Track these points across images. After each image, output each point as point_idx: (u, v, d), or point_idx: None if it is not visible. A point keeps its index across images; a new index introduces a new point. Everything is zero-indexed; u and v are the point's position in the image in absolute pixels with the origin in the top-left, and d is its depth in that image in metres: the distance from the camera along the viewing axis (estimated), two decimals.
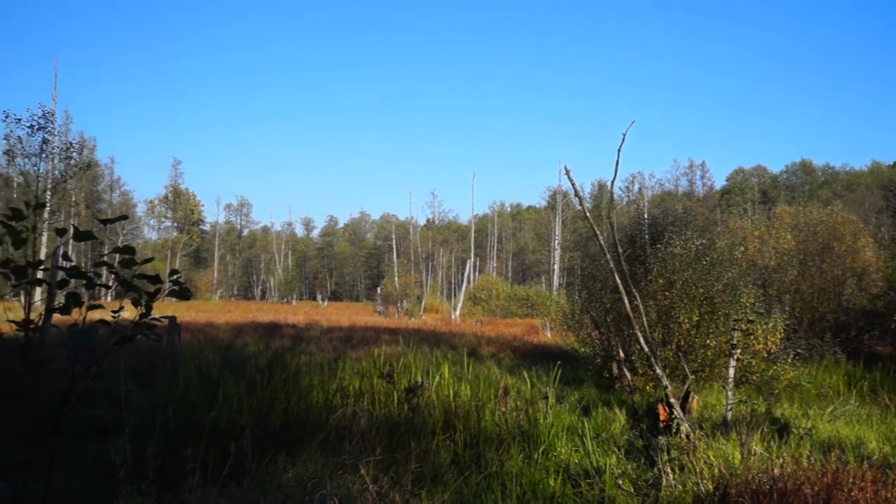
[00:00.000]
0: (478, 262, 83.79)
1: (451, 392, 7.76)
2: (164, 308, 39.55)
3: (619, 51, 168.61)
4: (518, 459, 5.88)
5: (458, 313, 41.39)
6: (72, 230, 2.67)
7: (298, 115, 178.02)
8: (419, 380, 8.11)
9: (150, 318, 2.87)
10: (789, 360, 12.08)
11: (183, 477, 4.21)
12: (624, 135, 7.33)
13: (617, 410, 9.59)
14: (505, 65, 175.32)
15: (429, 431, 6.40)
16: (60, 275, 2.81)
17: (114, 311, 2.83)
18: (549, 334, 26.78)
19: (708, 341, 11.94)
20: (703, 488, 5.01)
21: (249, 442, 4.52)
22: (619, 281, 6.29)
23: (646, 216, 18.02)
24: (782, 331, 12.81)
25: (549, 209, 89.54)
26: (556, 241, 66.72)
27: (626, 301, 6.49)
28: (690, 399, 8.53)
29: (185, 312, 36.80)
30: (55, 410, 7.32)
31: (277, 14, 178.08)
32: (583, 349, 14.11)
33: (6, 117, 14.89)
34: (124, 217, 2.88)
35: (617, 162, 7.36)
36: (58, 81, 27.01)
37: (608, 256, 6.68)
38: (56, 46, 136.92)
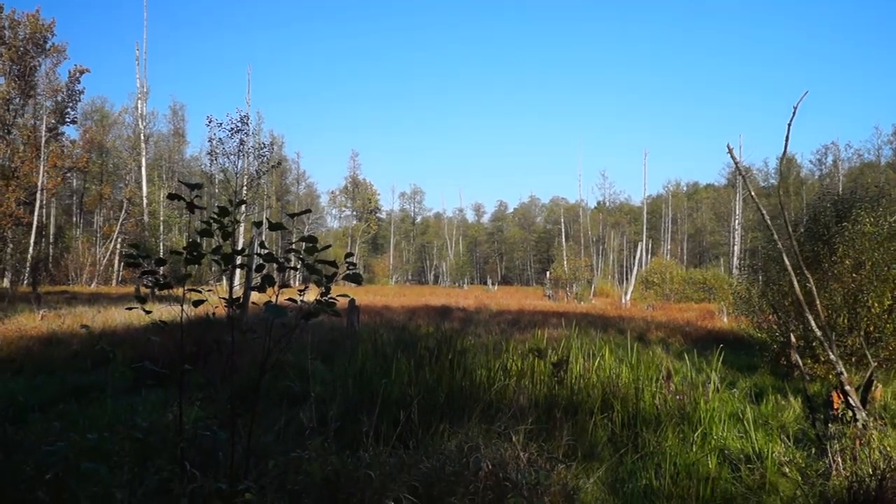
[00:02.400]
0: (650, 245, 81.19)
1: (611, 373, 7.85)
2: (341, 291, 42.10)
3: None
4: (674, 441, 5.92)
5: (628, 297, 40.50)
6: (266, 222, 3.18)
7: (468, 104, 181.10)
8: (580, 360, 8.28)
9: (329, 297, 3.33)
10: None
11: (358, 439, 4.73)
12: (795, 108, 6.99)
13: (791, 399, 9.20)
14: (674, 31, 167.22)
15: (587, 410, 6.58)
16: (258, 260, 3.35)
17: (300, 290, 3.32)
18: (725, 320, 25.59)
19: None
20: (862, 476, 4.81)
21: (416, 412, 4.97)
22: (787, 262, 6.09)
23: (840, 191, 16.74)
24: None
25: (730, 187, 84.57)
26: (737, 221, 63.02)
27: (794, 283, 6.26)
28: (874, 388, 8.00)
29: (364, 296, 38.99)
30: (255, 378, 8.33)
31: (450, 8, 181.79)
32: (758, 335, 13.46)
33: (209, 122, 16.69)
34: (308, 211, 3.37)
35: (787, 137, 7.05)
36: (251, 86, 29.67)
37: (775, 236, 6.46)
38: (248, 50, 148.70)
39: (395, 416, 5.24)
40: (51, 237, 56.22)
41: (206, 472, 3.09)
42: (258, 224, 3.30)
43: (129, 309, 3.52)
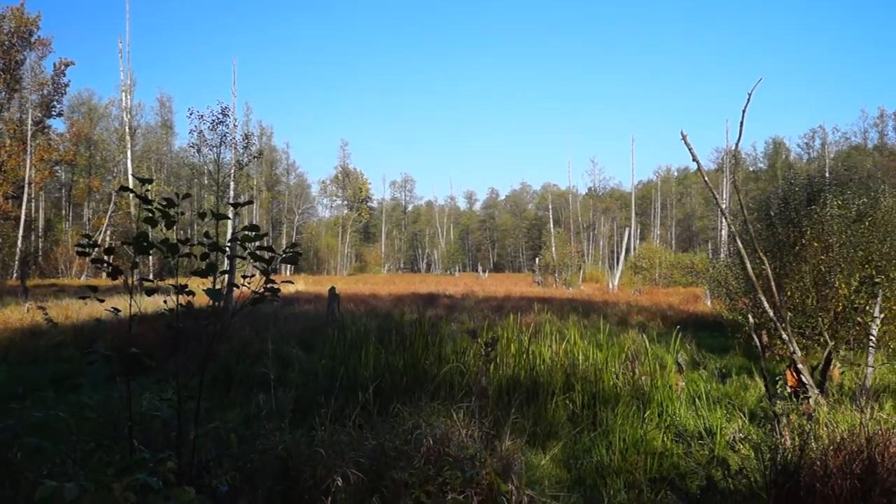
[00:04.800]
0: (641, 231, 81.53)
1: (579, 355, 8.06)
2: (332, 280, 42.41)
3: None
4: (629, 418, 6.13)
5: (616, 283, 40.81)
6: (209, 213, 3.35)
7: (456, 91, 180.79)
8: (549, 343, 8.50)
9: (272, 284, 3.50)
10: None
11: (321, 420, 4.93)
12: (749, 94, 7.17)
13: (758, 379, 9.44)
14: (664, 19, 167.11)
15: (549, 391, 6.80)
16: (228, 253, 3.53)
17: (245, 276, 3.49)
18: (708, 303, 25.89)
19: (868, 308, 11.25)
20: (807, 450, 5.03)
21: (372, 394, 5.17)
22: (739, 244, 6.30)
23: (827, 174, 16.92)
24: None
25: (720, 171, 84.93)
26: (725, 205, 63.35)
27: (747, 265, 6.46)
28: (832, 366, 8.24)
29: (354, 285, 39.18)
30: (231, 364, 8.49)
31: None
32: (731, 316, 13.73)
33: (190, 114, 16.81)
34: (250, 202, 3.52)
35: (741, 123, 7.24)
36: (236, 77, 29.66)
37: (727, 220, 6.66)
38: (232, 41, 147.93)
39: (359, 398, 5.44)
40: (40, 231, 56.12)
41: (154, 451, 3.28)
42: (202, 216, 3.47)
43: (82, 298, 3.69)
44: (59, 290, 28.95)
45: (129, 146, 39.53)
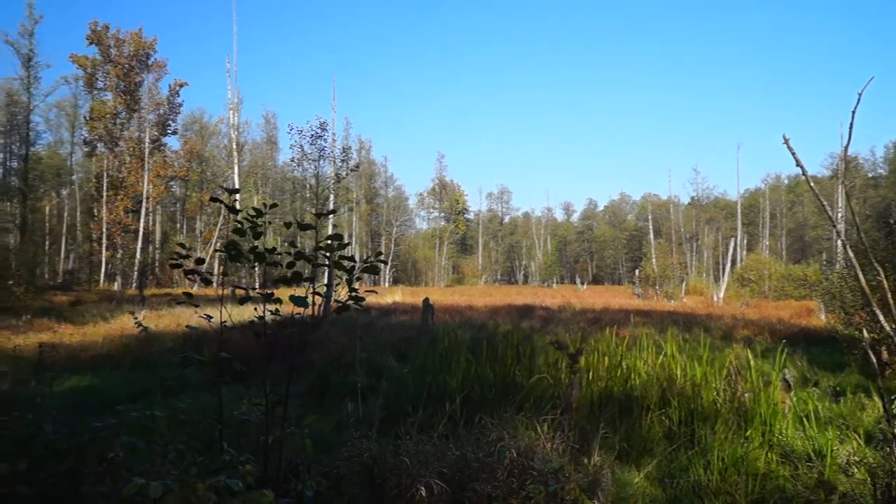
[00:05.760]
0: (746, 241, 78.13)
1: (677, 370, 7.76)
2: (429, 292, 42.79)
3: None
4: (728, 437, 5.83)
5: (721, 295, 39.19)
6: (294, 223, 3.43)
7: (553, 102, 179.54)
8: (645, 357, 8.23)
9: (356, 293, 3.54)
10: None
11: (407, 430, 4.94)
12: (859, 95, 6.72)
13: (875, 398, 8.80)
14: (774, 17, 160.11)
15: (644, 406, 6.56)
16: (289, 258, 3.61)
17: (326, 285, 3.55)
18: (822, 317, 24.44)
19: None
20: None
21: (459, 405, 5.15)
22: (850, 254, 5.89)
23: None
24: None
25: (834, 178, 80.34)
26: (840, 214, 59.82)
27: (860, 277, 6.03)
28: None
29: (450, 296, 39.39)
30: (325, 372, 8.68)
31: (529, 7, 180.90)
32: (846, 331, 12.89)
33: (290, 130, 17.42)
34: (333, 212, 3.58)
35: (850, 125, 6.79)
36: (336, 93, 30.58)
37: (836, 228, 6.24)
38: (333, 60, 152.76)
39: (446, 409, 5.43)
40: (157, 243, 59.57)
41: (245, 454, 3.36)
42: (287, 225, 3.56)
43: (179, 304, 3.85)
44: (173, 299, 30.55)
45: (236, 162, 41.43)
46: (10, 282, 22.51)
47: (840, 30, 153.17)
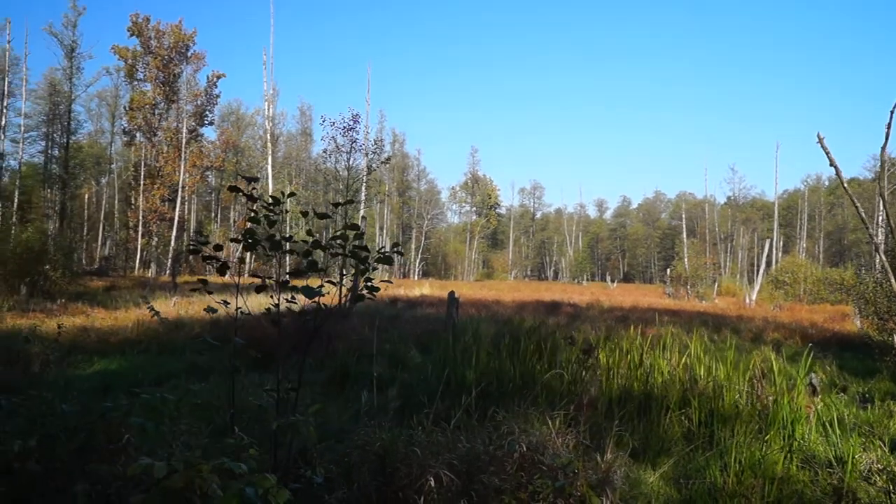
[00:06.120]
0: (783, 243, 76.79)
1: (700, 370, 7.67)
2: (458, 285, 42.82)
3: None
4: (746, 439, 5.75)
5: (754, 297, 38.55)
6: (311, 212, 3.46)
7: (589, 97, 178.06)
8: (668, 356, 8.15)
9: (370, 282, 3.57)
10: None
11: (422, 420, 4.97)
12: None
13: None
14: (816, 14, 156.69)
15: (663, 405, 6.51)
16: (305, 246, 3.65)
17: (341, 274, 3.59)
18: (857, 322, 23.93)
19: None
20: None
21: (475, 398, 5.16)
22: (883, 258, 5.79)
23: None
24: None
25: (875, 181, 78.40)
26: (880, 217, 58.45)
27: (892, 281, 5.92)
28: None
29: (479, 290, 39.36)
30: (346, 362, 8.75)
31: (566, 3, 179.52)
32: (879, 337, 12.61)
33: (323, 122, 17.56)
34: (351, 201, 3.61)
35: (888, 125, 6.66)
36: (370, 84, 30.67)
37: (869, 231, 6.13)
38: (369, 51, 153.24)
39: (460, 400, 5.44)
40: (191, 232, 60.52)
41: (255, 438, 3.41)
42: (304, 214, 3.60)
43: (193, 290, 3.92)
44: (192, 287, 31.03)
45: (270, 153, 41.86)
46: (47, 266, 23.05)
47: (887, 26, 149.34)
